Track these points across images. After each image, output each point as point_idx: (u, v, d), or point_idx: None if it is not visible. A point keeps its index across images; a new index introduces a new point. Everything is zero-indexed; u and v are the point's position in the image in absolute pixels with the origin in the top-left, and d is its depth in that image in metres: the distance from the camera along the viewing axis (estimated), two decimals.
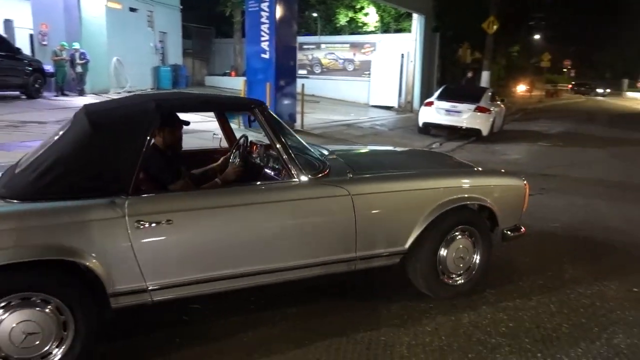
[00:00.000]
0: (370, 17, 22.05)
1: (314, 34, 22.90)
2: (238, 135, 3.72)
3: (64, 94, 13.99)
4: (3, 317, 2.18)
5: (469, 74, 18.64)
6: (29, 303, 2.23)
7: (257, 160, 3.37)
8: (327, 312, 3.09)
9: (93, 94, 14.63)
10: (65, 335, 2.32)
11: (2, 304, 2.18)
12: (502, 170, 4.02)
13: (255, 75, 10.86)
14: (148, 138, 2.55)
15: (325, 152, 3.52)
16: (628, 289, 3.59)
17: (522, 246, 4.30)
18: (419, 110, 12.85)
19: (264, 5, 10.40)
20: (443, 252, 3.27)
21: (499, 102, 12.78)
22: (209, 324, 2.92)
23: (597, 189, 6.92)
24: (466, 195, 3.31)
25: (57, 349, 2.30)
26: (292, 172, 2.86)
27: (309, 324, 2.95)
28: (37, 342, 2.24)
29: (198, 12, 23.51)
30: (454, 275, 3.36)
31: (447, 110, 11.48)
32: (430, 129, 11.96)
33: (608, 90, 47.92)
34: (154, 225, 2.43)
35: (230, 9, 22.68)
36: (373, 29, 22.07)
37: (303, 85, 11.74)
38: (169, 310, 2.95)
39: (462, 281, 3.39)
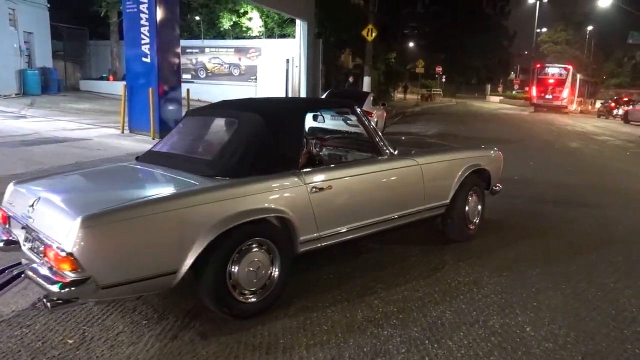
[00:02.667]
0: (254, 22, 22.03)
1: (197, 37, 22.36)
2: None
3: None
4: (239, 262, 2.98)
5: (350, 79, 19.39)
6: (250, 249, 3.04)
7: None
8: (219, 318, 3.03)
9: None
10: (274, 268, 3.17)
11: (244, 247, 3.00)
12: (483, 146, 5.55)
13: (137, 79, 10.37)
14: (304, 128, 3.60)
15: None
16: (499, 274, 3.96)
17: (408, 242, 4.58)
18: None
19: (143, 7, 9.97)
20: (466, 206, 4.61)
21: (380, 106, 13.43)
22: None
23: None
24: (476, 163, 4.69)
25: (270, 278, 3.15)
26: (384, 150, 3.98)
27: (203, 332, 2.89)
28: (262, 274, 3.09)
29: (70, 11, 21.86)
30: (473, 222, 4.75)
31: (332, 115, 11.80)
32: (316, 132, 12.20)
33: None
34: (321, 189, 3.36)
35: (105, 9, 21.39)
36: (257, 34, 22.06)
37: (188, 90, 11.44)
38: None
39: (475, 225, 4.80)
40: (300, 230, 3.24)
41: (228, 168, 3.15)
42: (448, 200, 4.41)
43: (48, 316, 3.01)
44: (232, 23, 22.03)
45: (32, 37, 19.07)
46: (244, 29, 22.17)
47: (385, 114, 14.12)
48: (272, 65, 18.92)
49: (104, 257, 2.53)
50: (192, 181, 3.06)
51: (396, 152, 4.06)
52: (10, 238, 3.06)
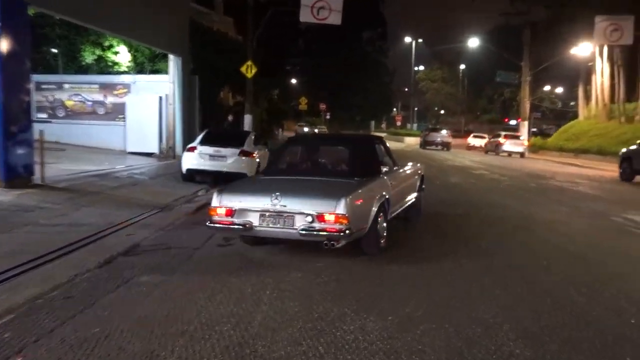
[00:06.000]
0: (122, 56, 21.26)
1: (56, 72, 21.07)
2: None
3: None
4: (378, 223, 5.87)
5: (230, 118, 19.35)
6: (380, 215, 5.93)
7: None
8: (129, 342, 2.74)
9: None
10: (381, 219, 5.97)
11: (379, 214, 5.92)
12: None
13: None
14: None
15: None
16: (384, 319, 4.05)
17: (288, 290, 4.54)
18: (181, 156, 12.78)
19: None
20: (420, 198, 8.32)
21: (262, 146, 13.52)
22: None
23: None
24: (421, 171, 8.56)
25: (384, 232, 6.11)
26: (398, 164, 7.49)
27: None
28: (383, 229, 6.07)
29: None
30: (420, 207, 8.39)
31: (211, 155, 11.67)
32: (194, 175, 11.95)
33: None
34: (392, 184, 6.59)
35: None
36: (126, 69, 21.30)
37: (42, 131, 10.62)
38: None
39: (421, 209, 8.47)
40: (391, 206, 6.27)
41: (359, 172, 6.17)
42: (417, 193, 7.93)
43: None
44: (96, 57, 21.08)
45: None
46: (109, 63, 21.29)
47: (268, 154, 14.21)
48: (143, 103, 18.27)
49: (353, 217, 5.20)
50: (349, 180, 5.89)
51: (400, 166, 7.58)
52: (241, 222, 5.38)
